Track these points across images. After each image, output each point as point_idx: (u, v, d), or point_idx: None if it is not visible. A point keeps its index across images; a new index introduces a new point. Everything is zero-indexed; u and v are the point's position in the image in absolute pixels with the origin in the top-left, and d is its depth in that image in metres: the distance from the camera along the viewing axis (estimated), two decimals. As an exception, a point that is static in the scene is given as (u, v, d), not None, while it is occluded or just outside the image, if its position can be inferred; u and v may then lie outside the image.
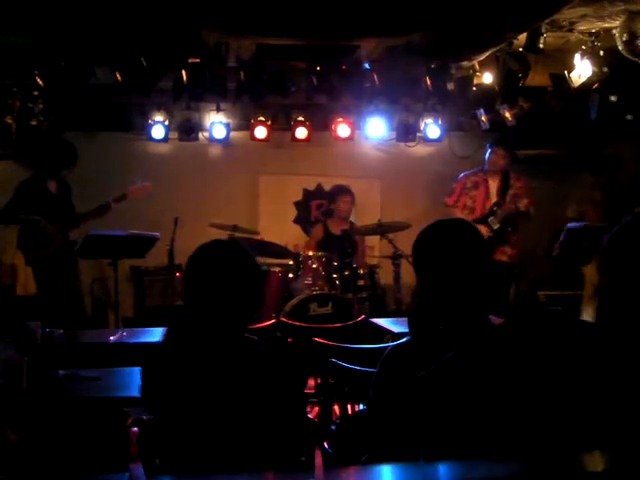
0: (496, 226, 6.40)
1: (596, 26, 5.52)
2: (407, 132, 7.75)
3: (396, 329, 4.34)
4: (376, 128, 7.60)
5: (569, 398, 1.54)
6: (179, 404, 2.20)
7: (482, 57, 6.11)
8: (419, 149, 7.97)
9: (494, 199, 6.55)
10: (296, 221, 8.10)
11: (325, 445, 2.27)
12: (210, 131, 7.52)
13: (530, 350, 1.61)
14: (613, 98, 6.37)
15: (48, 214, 6.25)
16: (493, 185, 6.60)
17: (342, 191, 7.21)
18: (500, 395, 1.58)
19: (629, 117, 6.83)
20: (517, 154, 6.84)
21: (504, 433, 1.54)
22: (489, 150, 6.60)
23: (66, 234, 6.36)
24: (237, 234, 6.57)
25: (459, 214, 6.54)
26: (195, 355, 2.26)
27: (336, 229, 7.11)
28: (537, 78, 6.40)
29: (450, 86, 6.39)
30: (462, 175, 6.78)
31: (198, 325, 2.29)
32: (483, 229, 6.11)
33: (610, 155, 6.96)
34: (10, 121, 6.56)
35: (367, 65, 6.42)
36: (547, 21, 5.19)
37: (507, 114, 6.84)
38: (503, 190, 6.54)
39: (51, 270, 6.26)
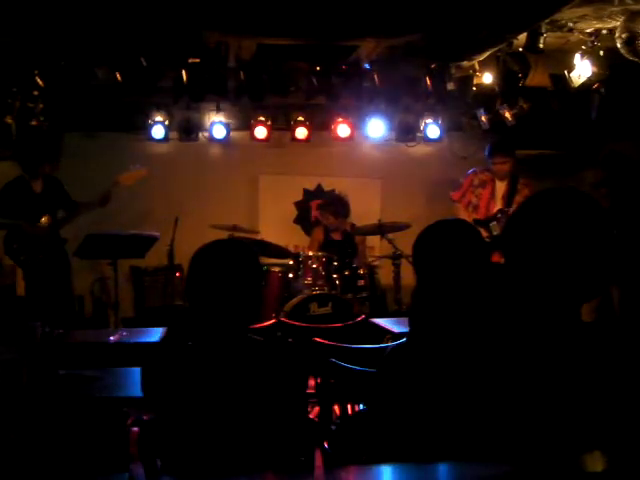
0: (496, 232, 6.35)
1: (596, 26, 5.53)
2: (407, 132, 7.74)
3: (396, 329, 4.34)
4: (376, 128, 7.59)
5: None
6: (180, 403, 2.20)
7: (482, 57, 6.10)
8: (419, 149, 7.97)
9: (499, 203, 6.45)
10: (296, 221, 8.10)
11: (325, 445, 2.27)
12: (210, 131, 7.51)
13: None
14: (602, 90, 6.30)
15: (32, 215, 6.20)
16: (500, 187, 6.46)
17: (321, 206, 7.24)
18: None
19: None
20: (514, 153, 6.71)
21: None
22: (489, 161, 6.46)
23: (56, 232, 6.31)
24: (237, 234, 6.57)
25: (462, 211, 6.52)
26: (197, 354, 2.26)
27: (336, 233, 7.11)
28: (537, 78, 6.38)
29: (450, 86, 6.38)
30: (471, 171, 6.69)
31: (201, 324, 2.28)
32: (483, 232, 6.08)
33: (616, 150, 6.91)
34: (10, 121, 6.55)
35: (367, 65, 6.42)
36: (547, 21, 5.19)
37: (507, 114, 6.83)
38: (510, 195, 6.40)
39: (40, 270, 6.21)
